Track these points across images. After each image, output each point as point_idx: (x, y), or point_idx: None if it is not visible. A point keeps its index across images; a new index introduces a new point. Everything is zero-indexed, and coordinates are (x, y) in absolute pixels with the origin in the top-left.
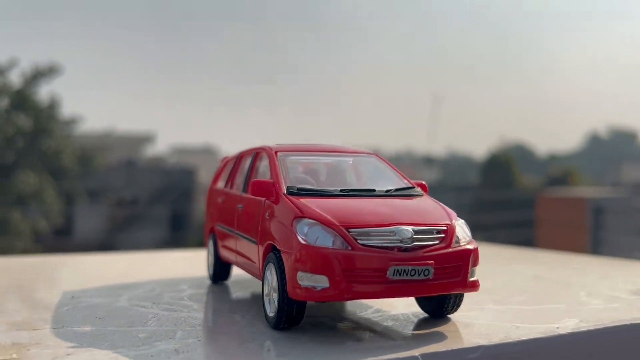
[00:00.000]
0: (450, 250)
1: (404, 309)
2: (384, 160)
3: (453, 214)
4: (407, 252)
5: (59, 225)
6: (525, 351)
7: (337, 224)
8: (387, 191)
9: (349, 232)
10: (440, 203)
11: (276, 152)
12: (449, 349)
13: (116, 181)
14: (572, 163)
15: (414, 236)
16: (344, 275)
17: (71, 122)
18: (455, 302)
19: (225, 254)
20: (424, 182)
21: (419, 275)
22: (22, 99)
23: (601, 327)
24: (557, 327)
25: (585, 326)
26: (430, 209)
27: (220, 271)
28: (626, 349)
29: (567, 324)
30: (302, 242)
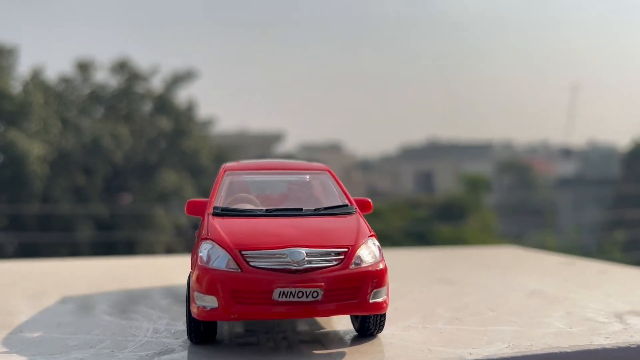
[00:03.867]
0: (346, 272)
1: (344, 326)
2: (334, 177)
3: (365, 235)
4: (297, 274)
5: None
6: None
7: (232, 246)
8: (315, 210)
9: (242, 254)
10: (363, 221)
11: (225, 171)
12: None
13: None
14: None
15: (307, 258)
16: (231, 297)
17: (208, 123)
18: (377, 324)
19: None
20: (369, 200)
21: (307, 297)
22: (163, 103)
23: (512, 355)
24: (470, 354)
25: (501, 354)
26: (342, 229)
27: None
28: None
29: (487, 350)
30: (199, 263)
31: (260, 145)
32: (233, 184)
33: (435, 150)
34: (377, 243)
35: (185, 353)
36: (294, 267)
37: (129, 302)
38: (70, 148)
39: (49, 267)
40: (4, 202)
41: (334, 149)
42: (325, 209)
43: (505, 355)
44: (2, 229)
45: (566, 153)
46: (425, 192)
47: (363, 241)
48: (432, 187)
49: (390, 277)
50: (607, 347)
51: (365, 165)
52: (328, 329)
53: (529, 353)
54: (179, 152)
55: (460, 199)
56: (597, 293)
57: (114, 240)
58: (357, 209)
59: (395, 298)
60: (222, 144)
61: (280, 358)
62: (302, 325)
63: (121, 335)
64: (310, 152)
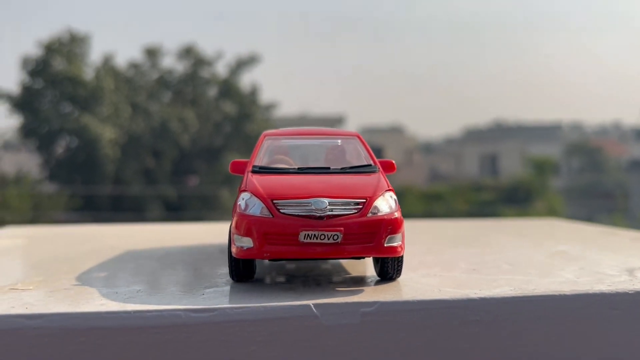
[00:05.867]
0: (363, 219)
1: (370, 272)
2: (362, 142)
3: (382, 189)
4: (320, 220)
5: None
6: (411, 310)
7: (265, 196)
8: (341, 169)
9: (274, 202)
10: (384, 179)
11: (265, 136)
12: (346, 301)
13: None
14: None
15: (329, 207)
16: (264, 238)
17: (270, 107)
18: (395, 268)
19: None
20: (392, 162)
21: (329, 239)
22: (228, 87)
23: (514, 295)
24: (475, 293)
25: (503, 294)
26: (363, 185)
27: None
28: (514, 317)
29: (492, 292)
30: (238, 210)
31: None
32: (271, 148)
33: (501, 131)
34: (394, 197)
35: (227, 288)
36: (318, 214)
37: (184, 254)
38: (140, 132)
39: (119, 229)
40: (79, 184)
41: (395, 131)
42: (351, 168)
43: (507, 295)
44: (78, 210)
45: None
46: (490, 175)
47: (381, 194)
48: (497, 170)
49: (425, 240)
50: (606, 291)
51: (428, 148)
52: (355, 274)
53: (529, 294)
54: (243, 135)
55: (527, 182)
56: (619, 255)
57: (181, 220)
58: (381, 168)
59: (424, 254)
60: (283, 127)
61: (307, 293)
62: (333, 271)
63: (174, 275)
64: (371, 134)
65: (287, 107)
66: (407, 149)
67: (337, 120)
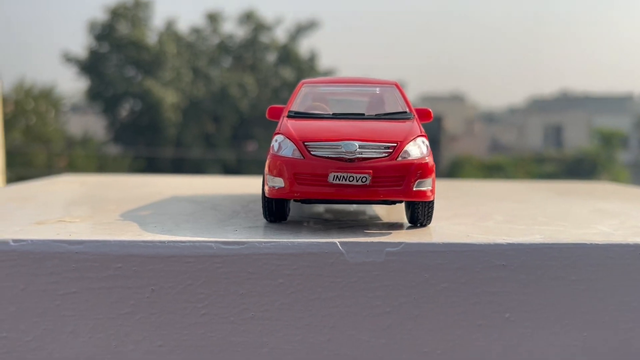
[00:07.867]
0: (392, 162)
1: (399, 219)
2: (400, 90)
3: (414, 134)
4: (349, 162)
5: None
6: (436, 252)
7: (297, 138)
8: (376, 115)
9: (305, 144)
10: (417, 125)
11: (302, 84)
12: (372, 240)
13: None
14: None
15: (359, 150)
16: (295, 178)
17: (329, 73)
18: (425, 214)
19: None
20: (429, 110)
21: (357, 181)
22: (286, 53)
23: (542, 242)
24: (503, 239)
25: (531, 240)
26: (395, 130)
27: None
28: (542, 264)
29: (521, 239)
30: (271, 152)
31: None
32: (308, 95)
33: (567, 102)
34: (426, 142)
35: (262, 227)
36: (348, 157)
37: (229, 200)
38: (201, 96)
39: (170, 179)
40: (142, 146)
41: (456, 99)
42: (386, 114)
43: (536, 242)
44: (140, 171)
45: None
46: (554, 147)
47: (412, 138)
48: (561, 141)
49: (468, 196)
50: None
51: (490, 117)
52: (387, 221)
53: (559, 242)
54: None
55: (592, 154)
56: None
57: None
58: (416, 116)
59: (462, 207)
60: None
61: (337, 234)
62: (368, 219)
63: (213, 215)
64: (431, 102)
65: (346, 73)
66: (467, 118)
67: None
